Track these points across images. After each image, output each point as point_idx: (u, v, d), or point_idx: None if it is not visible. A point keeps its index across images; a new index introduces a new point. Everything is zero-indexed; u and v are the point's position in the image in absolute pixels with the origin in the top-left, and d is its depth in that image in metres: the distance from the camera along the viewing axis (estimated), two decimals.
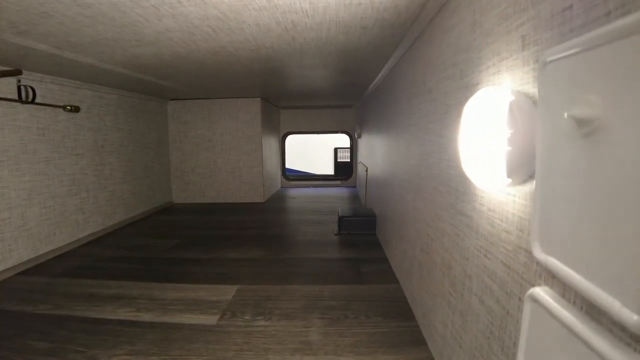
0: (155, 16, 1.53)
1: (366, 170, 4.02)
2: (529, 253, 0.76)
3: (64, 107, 2.66)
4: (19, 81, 2.35)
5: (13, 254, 2.37)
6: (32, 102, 2.39)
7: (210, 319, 1.75)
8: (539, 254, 0.67)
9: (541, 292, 0.68)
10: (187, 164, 4.90)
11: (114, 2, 1.37)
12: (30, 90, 2.40)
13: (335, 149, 7.08)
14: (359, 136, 5.21)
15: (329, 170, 7.35)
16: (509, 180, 0.79)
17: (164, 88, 3.63)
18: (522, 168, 0.76)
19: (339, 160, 7.03)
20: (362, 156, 5.02)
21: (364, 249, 2.82)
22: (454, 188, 1.22)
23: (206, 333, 1.63)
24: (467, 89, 1.12)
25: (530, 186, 0.77)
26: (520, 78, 0.81)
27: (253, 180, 4.92)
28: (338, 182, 6.40)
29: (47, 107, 2.58)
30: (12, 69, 2.21)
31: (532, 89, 0.75)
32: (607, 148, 0.49)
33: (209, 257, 2.73)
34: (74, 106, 2.69)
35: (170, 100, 4.76)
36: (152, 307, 1.89)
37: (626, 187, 0.46)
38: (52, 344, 1.58)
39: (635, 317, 0.43)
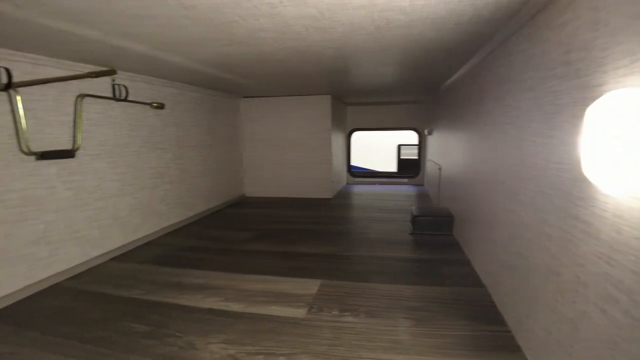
0: (254, 16, 1.67)
1: (439, 169, 4.02)
2: None
3: (150, 104, 2.98)
4: (113, 80, 2.66)
5: (106, 241, 2.71)
6: (125, 99, 2.70)
7: (298, 312, 1.90)
8: None
9: None
10: (258, 159, 5.28)
11: (217, 3, 1.52)
12: (123, 88, 2.71)
13: (399, 146, 7.07)
14: (430, 133, 5.21)
15: (392, 167, 7.33)
16: None
17: (241, 86, 3.91)
18: None
19: (402, 157, 7.02)
20: (433, 154, 5.02)
21: (441, 249, 2.86)
22: (566, 192, 1.24)
23: (295, 326, 1.78)
24: (586, 90, 1.13)
25: None
26: None
27: (321, 177, 5.17)
28: (405, 180, 6.44)
29: (136, 104, 2.90)
30: (107, 69, 2.51)
31: None
32: None
33: (284, 250, 2.93)
34: (160, 103, 3.00)
35: (243, 97, 5.14)
36: (239, 298, 2.08)
37: None
38: (149, 327, 1.80)
39: None
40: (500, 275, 1.90)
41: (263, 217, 4.13)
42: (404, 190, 5.93)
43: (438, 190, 4.17)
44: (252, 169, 5.31)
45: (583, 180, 1.12)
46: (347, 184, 6.50)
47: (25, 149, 2.10)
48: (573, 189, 1.20)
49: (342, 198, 5.26)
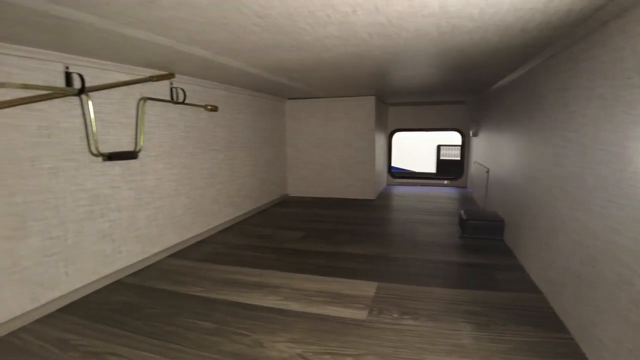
0: (323, 24, 1.76)
1: (487, 172, 4.04)
2: None
3: (205, 107, 3.14)
4: (171, 84, 2.82)
5: (163, 239, 2.91)
6: (183, 102, 2.86)
7: (359, 314, 2.00)
8: None
9: None
10: (301, 159, 5.50)
11: (290, 12, 1.61)
12: (181, 91, 2.87)
13: (439, 146, 7.05)
14: (475, 134, 5.22)
15: (430, 168, 7.34)
16: None
17: (289, 88, 4.07)
18: None
19: (442, 158, 7.02)
20: (479, 156, 5.04)
21: (493, 254, 2.90)
22: (636, 196, 1.28)
23: (358, 327, 1.88)
24: None
25: None
26: None
27: (364, 177, 5.32)
28: (446, 182, 6.47)
29: (191, 107, 3.07)
30: (167, 73, 2.67)
31: None
32: None
33: (335, 251, 3.05)
34: (214, 105, 3.17)
35: (288, 99, 5.37)
36: (297, 297, 2.21)
37: None
38: (214, 324, 1.94)
39: None
40: (561, 282, 1.93)
41: (309, 217, 4.30)
42: (447, 192, 5.97)
43: (485, 193, 4.19)
44: (295, 169, 5.53)
45: None
46: (387, 184, 6.61)
47: (94, 151, 2.28)
48: None
49: (385, 199, 5.38)
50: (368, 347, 1.71)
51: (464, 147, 6.22)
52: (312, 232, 3.64)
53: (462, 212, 3.45)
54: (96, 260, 2.35)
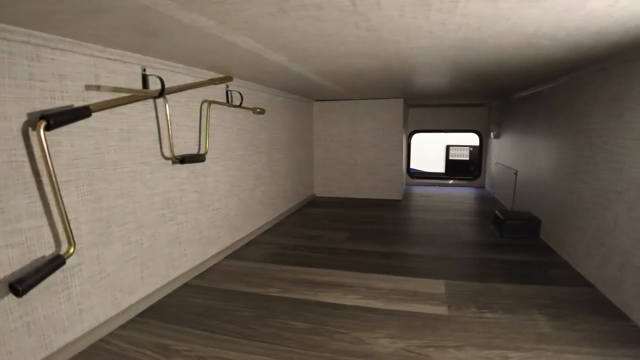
0: (419, 38, 1.84)
1: (515, 174, 4.31)
2: None
3: (253, 110, 3.17)
4: (227, 87, 2.85)
5: (220, 240, 2.94)
6: (239, 105, 2.90)
7: (441, 310, 2.13)
8: None
9: None
10: (328, 160, 5.63)
11: (398, 27, 1.69)
12: (238, 94, 2.91)
13: (447, 147, 7.36)
14: (497, 136, 5.46)
15: (439, 168, 7.63)
16: None
17: (325, 91, 4.19)
18: None
19: (450, 158, 7.34)
20: (503, 157, 5.29)
21: (536, 252, 3.09)
22: None
23: (446, 322, 2.00)
24: None
25: None
26: None
27: (392, 178, 5.48)
28: (465, 182, 6.73)
29: (242, 110, 3.09)
30: (226, 76, 2.71)
31: None
32: None
33: (389, 251, 3.19)
34: (261, 108, 3.20)
35: (316, 101, 5.48)
36: (375, 296, 2.31)
37: None
38: (309, 324, 2.00)
39: None
40: (618, 277, 2.14)
41: (346, 218, 4.43)
42: (467, 192, 6.22)
43: (513, 194, 4.46)
44: (322, 170, 5.66)
45: None
46: (406, 185, 6.83)
47: (167, 154, 2.29)
48: None
49: (411, 200, 5.58)
50: (463, 339, 1.83)
51: (482, 149, 6.49)
52: (356, 232, 3.77)
53: (497, 212, 3.66)
54: (166, 263, 2.36)
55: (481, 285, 2.45)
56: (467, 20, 1.56)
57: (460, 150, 7.14)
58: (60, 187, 1.57)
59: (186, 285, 2.48)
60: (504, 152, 5.19)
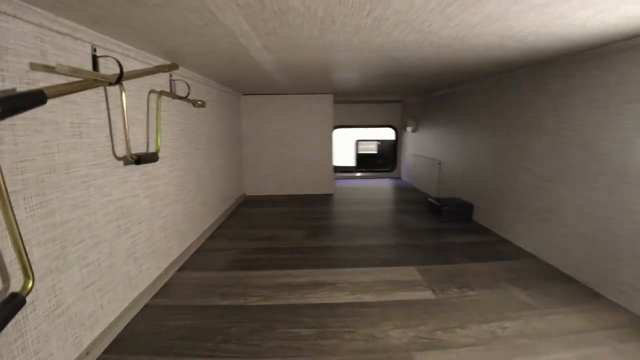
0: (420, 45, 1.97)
1: (439, 164, 4.75)
2: None
3: (194, 102, 2.83)
4: (171, 76, 2.50)
5: (171, 251, 2.60)
6: (186, 97, 2.57)
7: (427, 294, 2.27)
8: None
9: None
10: (259, 157, 5.39)
11: (401, 20, 1.78)
12: (184, 85, 2.57)
13: (357, 141, 7.69)
14: (414, 130, 5.89)
15: (347, 161, 7.93)
16: None
17: (250, 83, 4.00)
18: None
19: (360, 152, 7.68)
20: (421, 150, 5.78)
21: (476, 233, 3.51)
22: None
23: (438, 305, 2.14)
24: None
25: None
26: None
27: (324, 173, 5.51)
28: (382, 174, 7.10)
29: (185, 102, 2.74)
30: (172, 63, 2.38)
31: None
32: None
33: (353, 244, 3.24)
34: (202, 101, 2.86)
35: (244, 95, 5.18)
36: (361, 290, 2.33)
37: None
38: (312, 329, 1.93)
39: None
40: (564, 247, 2.58)
41: (290, 215, 4.35)
42: (388, 183, 6.62)
43: (437, 183, 4.93)
44: (253, 167, 5.41)
45: None
46: None
47: (120, 154, 1.94)
48: None
49: (341, 193, 5.71)
50: (462, 318, 2.00)
51: (397, 142, 6.97)
52: (310, 229, 3.74)
53: (431, 200, 4.03)
54: (124, 284, 2.00)
55: (449, 267, 2.68)
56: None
57: (369, 144, 7.62)
58: (10, 199, 1.20)
59: (147, 306, 2.14)
60: (424, 144, 5.71)
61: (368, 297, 2.24)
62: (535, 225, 2.93)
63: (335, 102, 5.47)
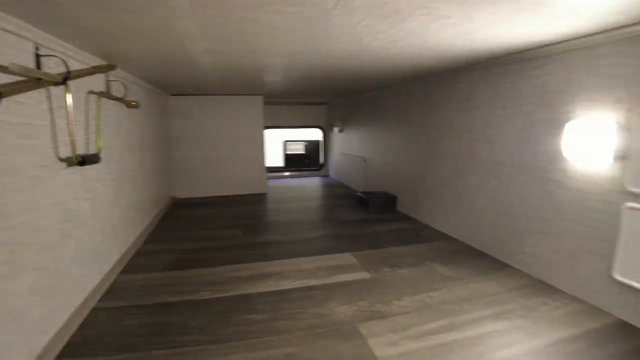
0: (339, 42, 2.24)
1: (364, 161, 5.11)
2: (622, 191, 2.00)
3: (128, 103, 2.81)
4: (107, 77, 2.48)
5: (111, 255, 2.59)
6: (123, 98, 2.55)
7: (365, 275, 2.59)
8: (631, 188, 1.92)
9: (633, 204, 1.93)
10: (189, 158, 5.32)
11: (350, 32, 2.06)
12: (122, 85, 2.56)
13: (285, 142, 7.80)
14: (341, 130, 6.18)
15: (277, 162, 8.01)
16: (612, 161, 2.02)
17: (178, 83, 4.00)
18: (619, 155, 2.00)
19: (288, 152, 7.82)
20: (348, 148, 6.14)
21: (401, 221, 3.95)
22: (541, 166, 2.43)
23: (374, 283, 2.47)
24: (557, 114, 2.32)
25: (621, 163, 2.01)
26: (611, 115, 2.03)
27: (256, 173, 5.62)
28: (311, 172, 7.34)
29: (119, 103, 2.71)
30: (110, 64, 2.38)
31: (620, 120, 1.98)
32: None
33: (291, 238, 3.47)
34: (136, 102, 2.85)
35: (172, 95, 5.09)
36: (306, 276, 2.57)
37: None
38: (267, 314, 2.11)
39: None
40: (477, 228, 3.08)
41: (226, 215, 4.45)
42: (317, 181, 6.94)
43: (364, 178, 5.29)
44: (183, 169, 5.34)
45: (559, 159, 2.32)
46: None
47: (64, 154, 1.94)
48: (550, 164, 2.40)
49: (276, 192, 5.87)
50: (395, 292, 2.35)
51: (326, 142, 7.29)
52: (247, 227, 3.88)
53: (359, 194, 4.42)
54: (71, 288, 2.00)
55: (381, 251, 3.05)
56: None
57: (297, 144, 7.86)
58: None
59: (97, 309, 2.15)
60: (351, 143, 6.12)
61: (312, 282, 2.49)
62: (451, 211, 3.42)
63: (265, 103, 5.64)
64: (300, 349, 1.79)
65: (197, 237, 3.53)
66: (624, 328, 1.93)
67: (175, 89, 4.64)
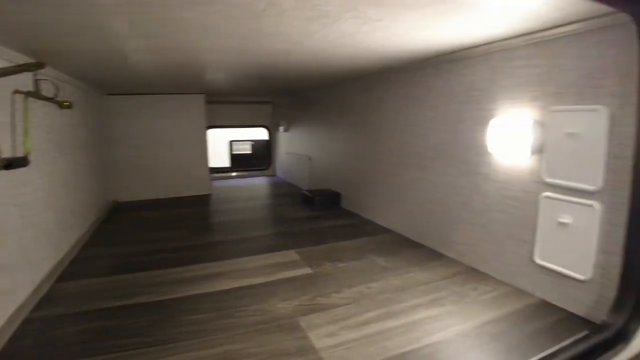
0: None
1: (309, 160, 5.16)
2: (539, 181, 2.20)
3: (61, 103, 2.68)
4: (36, 75, 2.36)
5: (45, 262, 2.47)
6: (54, 98, 2.44)
7: (307, 270, 2.66)
8: (546, 179, 2.12)
9: (548, 193, 2.14)
10: (130, 161, 5.12)
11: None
12: (51, 85, 2.45)
13: (231, 142, 7.70)
14: (286, 130, 6.16)
15: (224, 162, 7.88)
16: (529, 154, 2.22)
17: (115, 82, 3.89)
18: (535, 148, 2.20)
19: (234, 152, 7.72)
20: (293, 147, 6.18)
21: (345, 217, 4.08)
22: (469, 160, 2.62)
23: (316, 278, 2.55)
24: (482, 111, 2.52)
25: (537, 156, 2.21)
26: (528, 112, 2.24)
27: (200, 174, 5.53)
28: (258, 172, 7.30)
29: (50, 104, 2.58)
30: (38, 62, 2.28)
31: (535, 117, 2.19)
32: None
33: (238, 237, 3.48)
34: (69, 102, 2.73)
35: (109, 95, 4.88)
36: (251, 275, 2.60)
37: None
38: (209, 313, 2.11)
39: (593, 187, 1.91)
40: (412, 220, 3.25)
41: (171, 217, 4.36)
42: (264, 181, 6.92)
43: (309, 176, 5.34)
44: (124, 171, 5.13)
45: (483, 153, 2.51)
46: None
47: None
48: (473, 158, 2.58)
49: (221, 193, 5.80)
50: (336, 285, 2.44)
51: (272, 141, 7.27)
52: (193, 228, 3.85)
53: (305, 192, 4.50)
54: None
55: (324, 247, 3.14)
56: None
57: (243, 144, 7.82)
58: None
59: (29, 320, 2.06)
60: (296, 142, 6.18)
61: (256, 280, 2.53)
62: (390, 206, 3.58)
63: (208, 102, 5.59)
64: (242, 345, 1.83)
65: (140, 240, 3.46)
66: (544, 307, 2.13)
67: (113, 88, 4.49)
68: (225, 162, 7.84)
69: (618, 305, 1.75)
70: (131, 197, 5.29)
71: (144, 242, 3.42)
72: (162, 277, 2.62)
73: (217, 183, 6.74)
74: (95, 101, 4.48)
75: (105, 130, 4.91)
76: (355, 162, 4.23)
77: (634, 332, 1.66)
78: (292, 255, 2.97)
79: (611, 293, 1.79)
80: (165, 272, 2.69)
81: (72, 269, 2.78)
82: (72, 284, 2.53)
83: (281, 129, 6.61)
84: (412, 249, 3.06)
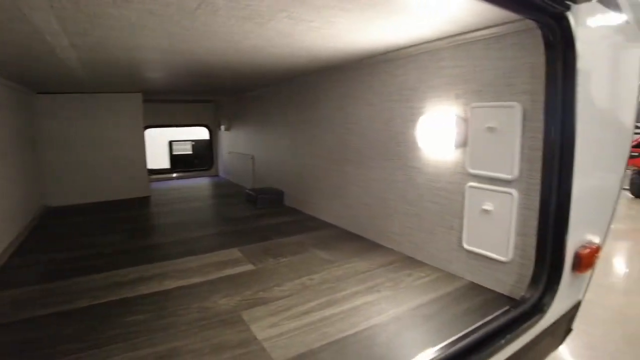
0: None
1: (252, 158, 5.13)
2: (464, 173, 2.40)
3: None
4: None
5: None
6: None
7: (249, 267, 2.68)
8: (470, 170, 2.32)
9: (472, 183, 2.34)
10: (61, 163, 4.82)
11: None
12: None
13: (170, 142, 7.41)
14: (227, 129, 6.04)
15: (164, 163, 7.57)
16: (454, 148, 2.41)
17: (44, 80, 3.64)
18: (460, 143, 2.40)
19: (174, 153, 7.46)
20: (235, 147, 6.15)
21: (288, 214, 4.13)
22: (403, 155, 2.79)
23: (258, 274, 2.57)
24: (413, 109, 2.69)
25: (462, 149, 2.41)
26: (453, 109, 2.43)
27: (137, 175, 5.32)
28: (199, 173, 7.13)
29: None
30: None
31: (459, 113, 2.39)
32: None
33: (176, 239, 3.40)
34: None
35: (39, 93, 4.56)
36: (190, 274, 2.57)
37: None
38: (148, 314, 2.07)
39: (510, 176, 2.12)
40: (353, 215, 3.38)
41: (107, 221, 4.16)
42: (205, 181, 6.80)
43: (252, 175, 5.30)
44: (55, 175, 4.82)
45: (414, 148, 2.68)
46: None
47: None
48: (408, 153, 2.75)
49: (161, 195, 5.63)
50: (278, 279, 2.48)
51: (213, 141, 7.15)
52: (130, 231, 3.70)
53: (248, 190, 4.49)
54: None
55: (266, 243, 3.17)
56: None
57: (184, 145, 7.61)
58: None
59: None
60: (238, 142, 6.14)
61: (197, 279, 2.50)
62: (332, 201, 3.69)
63: (145, 101, 5.41)
64: (185, 342, 1.81)
65: (75, 246, 3.28)
66: (472, 288, 2.31)
67: (43, 87, 4.21)
68: (166, 163, 7.62)
69: (534, 281, 1.96)
70: (66, 201, 5.00)
71: (79, 247, 3.24)
72: (99, 281, 2.51)
73: (157, 185, 6.55)
74: (25, 100, 4.20)
75: (35, 131, 4.61)
76: (297, 160, 4.30)
77: (548, 305, 1.88)
78: (234, 253, 2.97)
79: (529, 271, 2.00)
80: (103, 276, 2.58)
81: (2, 278, 2.59)
82: (3, 293, 2.36)
83: (222, 128, 6.54)
84: (353, 242, 3.18)
